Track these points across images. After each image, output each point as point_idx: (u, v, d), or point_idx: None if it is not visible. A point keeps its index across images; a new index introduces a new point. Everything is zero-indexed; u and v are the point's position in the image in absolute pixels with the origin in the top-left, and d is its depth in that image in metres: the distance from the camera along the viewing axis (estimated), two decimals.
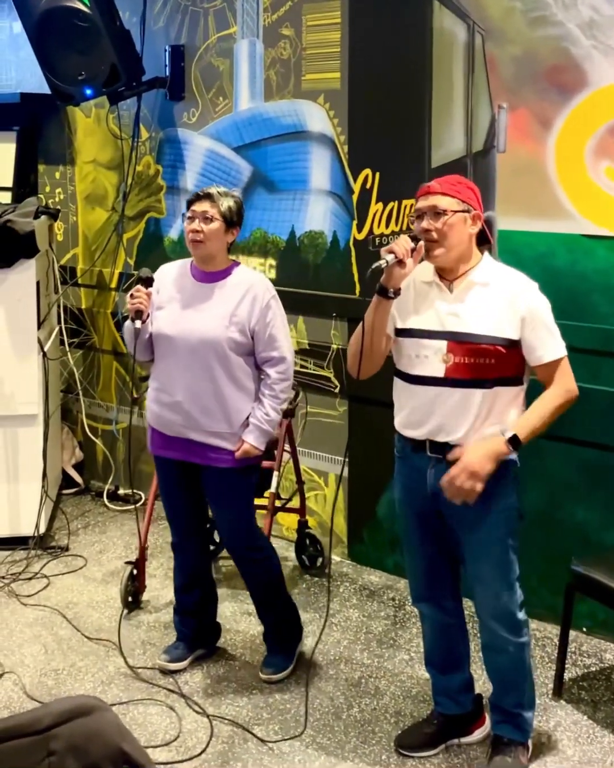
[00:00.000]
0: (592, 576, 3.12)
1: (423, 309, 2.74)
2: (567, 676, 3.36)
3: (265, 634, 3.50)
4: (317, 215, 4.20)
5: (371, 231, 4.02)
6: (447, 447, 2.71)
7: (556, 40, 3.43)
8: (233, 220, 3.18)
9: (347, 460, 4.12)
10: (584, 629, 3.64)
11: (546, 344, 2.68)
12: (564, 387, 2.69)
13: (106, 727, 1.76)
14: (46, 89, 4.56)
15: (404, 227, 3.90)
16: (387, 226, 3.97)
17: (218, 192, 3.17)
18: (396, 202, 3.92)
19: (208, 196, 3.16)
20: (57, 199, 5.24)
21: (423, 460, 2.77)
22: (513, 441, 2.63)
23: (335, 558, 4.34)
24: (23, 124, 5.12)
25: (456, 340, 2.67)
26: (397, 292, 2.68)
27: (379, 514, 4.17)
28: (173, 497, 3.41)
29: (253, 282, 3.19)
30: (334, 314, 4.13)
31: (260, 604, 3.43)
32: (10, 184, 5.03)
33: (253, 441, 3.21)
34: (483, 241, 2.78)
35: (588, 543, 3.54)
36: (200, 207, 3.15)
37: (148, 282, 3.20)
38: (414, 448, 2.79)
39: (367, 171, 4.01)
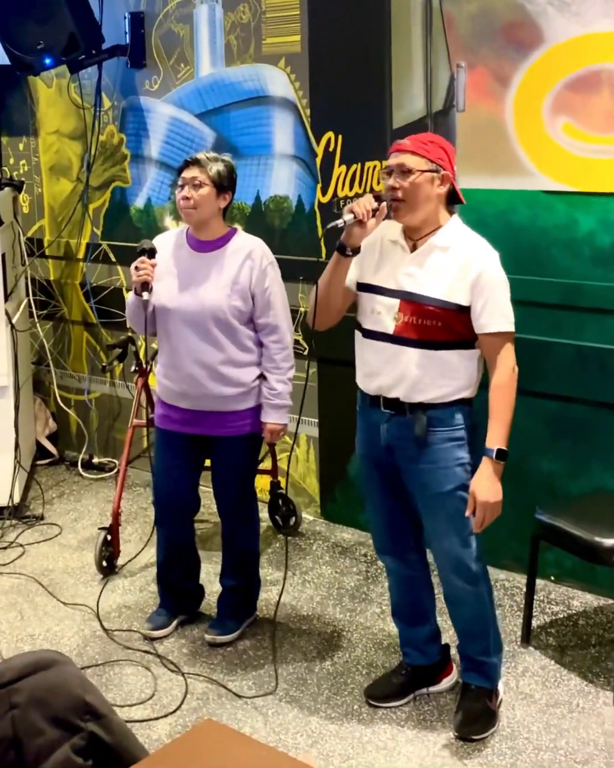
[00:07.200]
0: (556, 524, 3.16)
1: (385, 267, 2.77)
2: (535, 623, 3.42)
3: (221, 598, 3.47)
4: (282, 180, 4.21)
5: (335, 194, 4.04)
6: (398, 403, 2.74)
7: None
8: (224, 184, 3.12)
9: (312, 420, 4.16)
10: (552, 578, 3.70)
11: (491, 313, 2.65)
12: (508, 367, 2.68)
13: (68, 679, 1.77)
14: (5, 60, 4.53)
15: (368, 189, 3.92)
16: (351, 188, 3.99)
17: (206, 157, 3.11)
18: (359, 164, 3.94)
19: (196, 162, 3.10)
20: (21, 171, 5.21)
21: (378, 414, 2.81)
22: (500, 454, 2.67)
23: (308, 517, 4.39)
24: None
25: (408, 299, 2.70)
26: (356, 251, 2.71)
27: (351, 473, 4.21)
28: (173, 470, 3.32)
29: (252, 247, 3.16)
30: (301, 278, 4.14)
31: (232, 566, 3.42)
32: None
33: (271, 419, 3.20)
34: (455, 201, 2.79)
35: (553, 493, 3.60)
36: (189, 173, 3.09)
37: (151, 253, 3.15)
38: (371, 402, 2.83)
39: (330, 134, 4.01)
